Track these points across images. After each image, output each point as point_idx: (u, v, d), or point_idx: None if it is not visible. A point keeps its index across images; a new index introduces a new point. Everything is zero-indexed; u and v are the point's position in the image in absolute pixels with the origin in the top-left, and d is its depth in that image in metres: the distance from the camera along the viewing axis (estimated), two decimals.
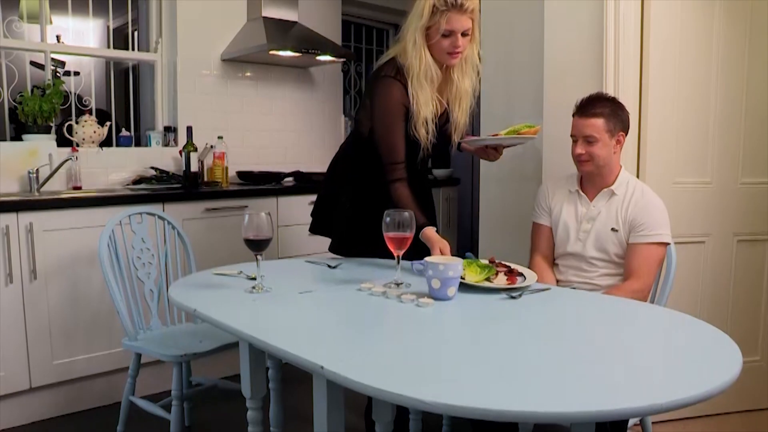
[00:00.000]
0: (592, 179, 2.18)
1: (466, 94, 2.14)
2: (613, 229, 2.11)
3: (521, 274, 1.84)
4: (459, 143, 2.24)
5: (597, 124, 2.07)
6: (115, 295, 2.28)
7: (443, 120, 2.20)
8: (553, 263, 2.29)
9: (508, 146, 2.20)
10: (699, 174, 2.68)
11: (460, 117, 2.15)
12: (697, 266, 2.69)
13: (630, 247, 2.08)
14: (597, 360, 1.25)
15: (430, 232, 1.99)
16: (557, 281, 2.22)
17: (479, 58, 2.14)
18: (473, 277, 1.77)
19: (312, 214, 2.44)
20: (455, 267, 1.61)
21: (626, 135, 2.13)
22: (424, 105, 2.04)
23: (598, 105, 2.10)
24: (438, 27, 1.95)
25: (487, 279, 1.78)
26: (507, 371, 1.18)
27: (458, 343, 1.37)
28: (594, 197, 2.17)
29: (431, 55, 2.01)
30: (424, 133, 2.06)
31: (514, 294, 1.68)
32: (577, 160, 2.14)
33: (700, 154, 2.66)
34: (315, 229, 2.44)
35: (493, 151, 2.19)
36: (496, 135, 2.12)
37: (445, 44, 1.98)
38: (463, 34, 1.98)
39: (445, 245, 1.93)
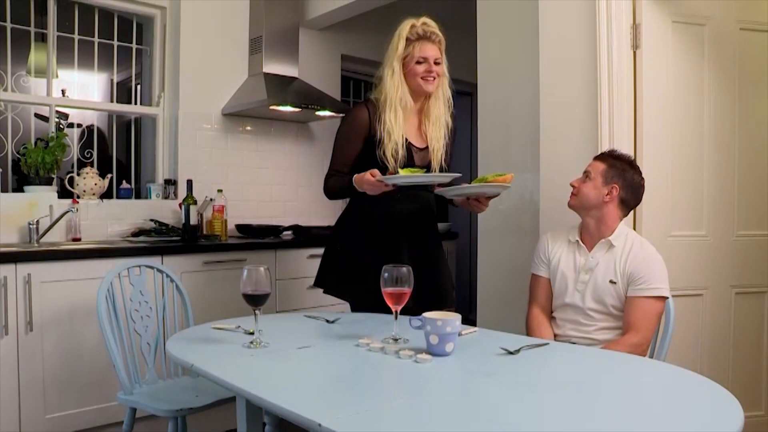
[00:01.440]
0: (589, 228, 2.21)
1: (439, 122, 2.33)
2: (611, 281, 2.12)
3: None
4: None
5: (597, 166, 2.20)
6: (111, 348, 2.26)
7: (425, 157, 2.35)
8: (551, 316, 2.29)
9: (491, 197, 2.27)
10: (694, 227, 2.70)
11: (436, 146, 2.33)
12: (695, 320, 2.68)
13: (629, 300, 2.08)
14: (595, 417, 1.25)
15: (357, 176, 2.17)
16: (555, 336, 2.22)
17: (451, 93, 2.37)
18: (407, 172, 2.06)
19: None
20: (453, 323, 1.61)
21: (626, 194, 2.16)
22: (396, 129, 2.24)
23: (612, 156, 2.22)
24: (413, 55, 2.25)
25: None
26: (506, 429, 1.17)
27: (457, 400, 1.36)
28: (592, 248, 2.19)
29: (408, 83, 2.26)
30: (392, 158, 2.24)
31: (512, 349, 1.67)
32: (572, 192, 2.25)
33: (695, 207, 2.69)
34: (316, 281, 2.53)
35: (476, 203, 2.27)
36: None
37: (420, 69, 2.24)
38: (436, 63, 2.26)
39: (372, 170, 2.11)
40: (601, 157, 2.23)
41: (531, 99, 2.90)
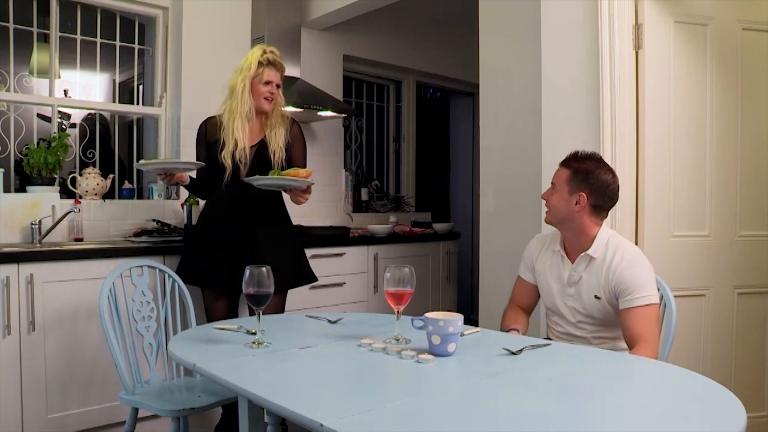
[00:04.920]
0: (569, 240, 2.13)
1: (278, 131, 2.72)
2: (596, 296, 2.05)
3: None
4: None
5: (561, 175, 2.09)
6: (114, 348, 2.27)
7: (258, 153, 2.71)
8: (527, 313, 2.28)
9: (301, 190, 2.58)
10: (697, 227, 2.69)
11: (276, 149, 2.70)
12: (698, 320, 2.68)
13: (624, 313, 1.98)
14: (597, 417, 1.25)
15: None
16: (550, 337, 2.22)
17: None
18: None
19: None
20: (455, 323, 1.61)
21: (596, 200, 2.04)
22: (240, 136, 2.64)
23: (576, 158, 2.09)
24: (261, 77, 2.65)
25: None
26: (508, 429, 1.17)
27: (459, 401, 1.36)
28: (575, 260, 2.11)
29: (253, 99, 2.66)
30: (230, 158, 2.64)
31: (514, 350, 1.67)
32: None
33: (698, 207, 2.69)
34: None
35: (292, 194, 2.61)
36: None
37: (264, 90, 2.66)
38: (277, 86, 2.70)
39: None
40: (565, 163, 2.11)
41: (533, 99, 2.90)
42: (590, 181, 2.04)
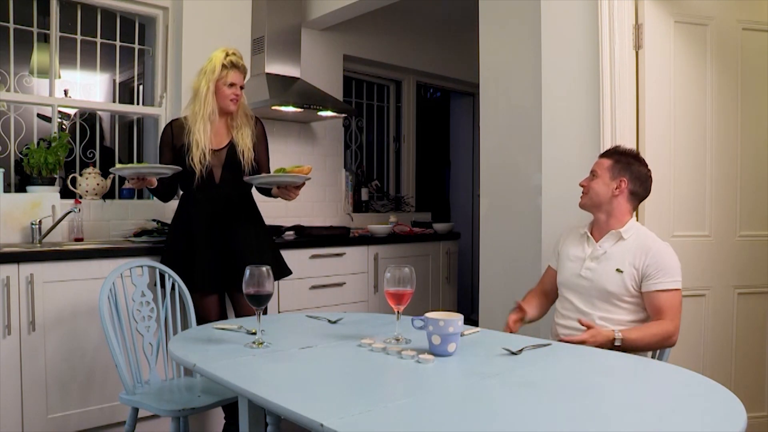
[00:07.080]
0: (600, 222, 2.24)
1: (244, 131, 2.79)
2: (618, 270, 2.13)
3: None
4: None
5: (603, 163, 2.23)
6: (114, 348, 2.27)
7: (229, 154, 2.76)
8: (547, 299, 2.38)
9: (297, 186, 2.69)
10: (697, 227, 2.69)
11: (245, 149, 2.77)
12: (698, 320, 2.68)
13: (654, 294, 2.07)
14: (597, 418, 1.25)
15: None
16: (556, 324, 2.25)
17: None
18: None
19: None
20: (455, 323, 1.61)
21: (634, 186, 2.18)
22: (203, 140, 2.68)
23: (617, 151, 2.25)
24: (225, 80, 2.70)
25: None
26: (508, 429, 1.17)
27: (459, 401, 1.36)
28: (600, 239, 2.22)
29: (216, 101, 2.71)
30: (199, 163, 2.67)
31: (514, 350, 1.67)
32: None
33: (698, 207, 2.69)
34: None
35: (285, 191, 2.71)
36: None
37: (228, 92, 2.71)
38: (241, 87, 2.75)
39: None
40: (606, 154, 2.26)
41: (533, 99, 2.90)
42: (632, 169, 2.19)
